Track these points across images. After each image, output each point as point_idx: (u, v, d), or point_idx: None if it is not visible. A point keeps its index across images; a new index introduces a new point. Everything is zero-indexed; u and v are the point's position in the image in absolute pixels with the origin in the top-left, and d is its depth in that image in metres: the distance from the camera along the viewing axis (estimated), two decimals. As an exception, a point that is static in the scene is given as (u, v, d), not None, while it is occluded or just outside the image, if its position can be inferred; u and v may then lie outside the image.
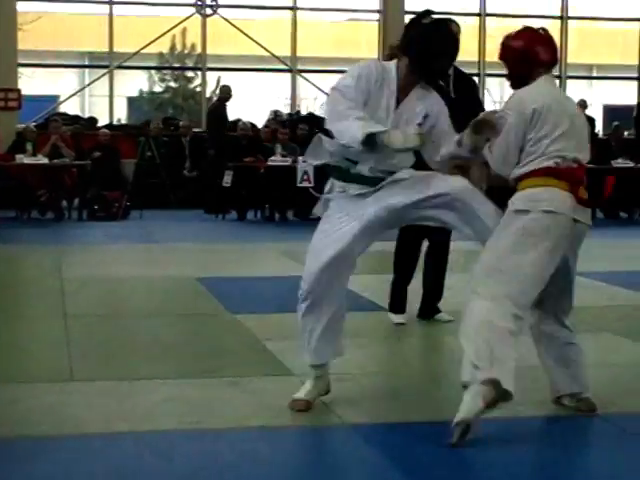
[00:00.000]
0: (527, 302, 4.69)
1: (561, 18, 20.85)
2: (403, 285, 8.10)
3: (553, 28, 20.10)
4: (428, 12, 5.25)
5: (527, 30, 5.22)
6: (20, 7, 18.80)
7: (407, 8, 19.02)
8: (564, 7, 20.90)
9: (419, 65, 5.01)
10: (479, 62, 20.19)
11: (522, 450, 4.70)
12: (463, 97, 7.45)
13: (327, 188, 5.21)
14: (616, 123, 19.14)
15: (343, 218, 4.94)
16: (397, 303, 8.11)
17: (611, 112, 23.67)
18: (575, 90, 20.99)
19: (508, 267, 4.57)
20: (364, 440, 4.74)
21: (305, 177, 15.13)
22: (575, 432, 5.08)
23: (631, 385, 5.95)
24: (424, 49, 5.03)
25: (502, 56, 5.13)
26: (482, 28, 20.27)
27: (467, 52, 19.45)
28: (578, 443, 4.95)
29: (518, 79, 5.05)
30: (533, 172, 4.67)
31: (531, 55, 4.95)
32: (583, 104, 16.83)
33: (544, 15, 20.78)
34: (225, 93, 17.33)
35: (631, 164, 16.75)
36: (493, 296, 4.59)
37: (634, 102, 21.87)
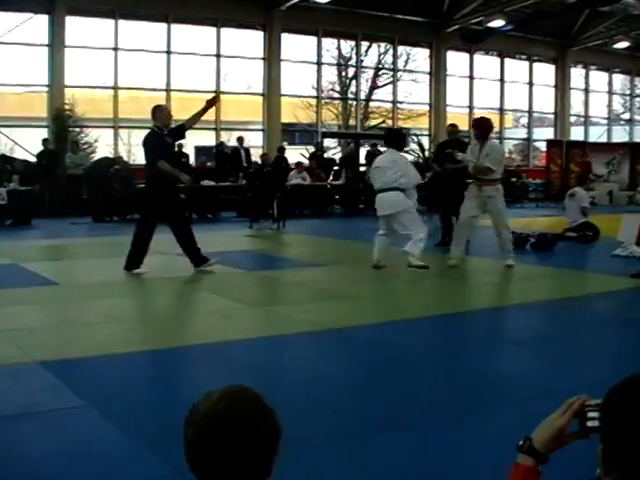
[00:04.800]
0: None
1: (166, 90, 25.41)
2: (142, 252, 11.02)
3: (159, 97, 24.28)
4: None
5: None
6: None
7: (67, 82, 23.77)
8: (168, 82, 25.47)
9: None
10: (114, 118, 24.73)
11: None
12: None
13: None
14: (203, 157, 24.66)
15: None
16: (136, 262, 11.01)
17: (199, 150, 26.85)
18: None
19: None
20: (48, 371, 5.80)
21: (1, 197, 19.44)
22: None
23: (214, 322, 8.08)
24: None
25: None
26: (116, 96, 24.60)
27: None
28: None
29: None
30: None
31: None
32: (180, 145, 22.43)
33: (155, 88, 25.31)
34: None
35: (213, 183, 22.13)
36: None
37: (213, 144, 25.65)
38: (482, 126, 12.29)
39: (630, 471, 1.69)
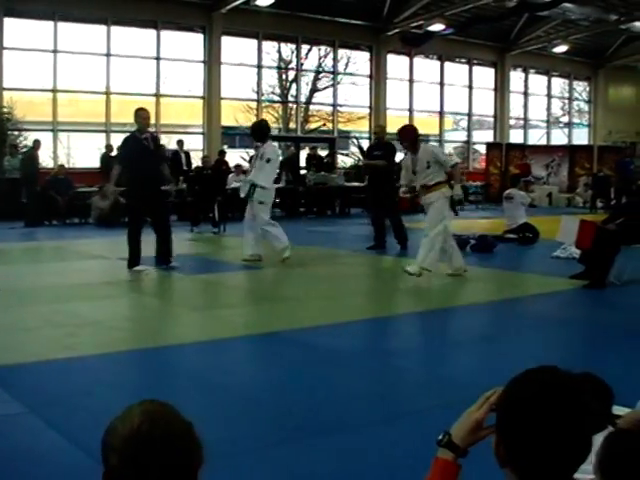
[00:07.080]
0: None
1: (106, 93, 25.33)
2: (137, 250, 11.57)
3: (98, 100, 25.38)
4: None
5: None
6: None
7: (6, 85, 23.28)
8: (108, 85, 25.21)
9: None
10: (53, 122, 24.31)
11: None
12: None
13: None
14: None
15: None
16: (134, 259, 11.57)
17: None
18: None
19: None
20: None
21: None
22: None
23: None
24: None
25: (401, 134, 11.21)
26: (55, 100, 24.31)
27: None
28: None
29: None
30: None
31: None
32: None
33: (95, 91, 25.29)
34: None
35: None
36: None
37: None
38: (407, 134, 11.48)
39: (522, 462, 1.71)
